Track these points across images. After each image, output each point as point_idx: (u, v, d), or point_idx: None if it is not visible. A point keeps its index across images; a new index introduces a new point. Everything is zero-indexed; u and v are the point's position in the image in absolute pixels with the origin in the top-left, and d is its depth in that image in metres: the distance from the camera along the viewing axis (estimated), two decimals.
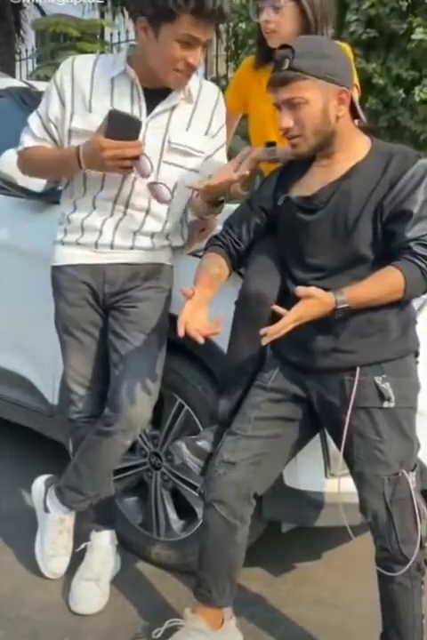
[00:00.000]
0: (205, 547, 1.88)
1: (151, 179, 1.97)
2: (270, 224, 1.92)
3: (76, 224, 2.08)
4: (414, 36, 5.33)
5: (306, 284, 1.78)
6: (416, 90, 5.43)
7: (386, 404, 1.72)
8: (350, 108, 1.77)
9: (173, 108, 2.02)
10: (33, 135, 2.10)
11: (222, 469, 1.81)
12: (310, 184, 1.80)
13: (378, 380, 1.73)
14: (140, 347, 2.06)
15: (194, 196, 2.10)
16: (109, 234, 2.06)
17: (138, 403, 2.02)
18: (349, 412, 1.73)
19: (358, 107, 1.80)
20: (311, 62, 1.69)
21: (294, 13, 2.13)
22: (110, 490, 2.27)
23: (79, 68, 2.03)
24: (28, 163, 2.16)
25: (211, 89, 2.13)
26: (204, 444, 1.92)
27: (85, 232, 2.08)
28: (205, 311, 1.80)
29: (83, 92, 2.01)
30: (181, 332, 1.72)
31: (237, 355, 1.92)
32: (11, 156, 2.45)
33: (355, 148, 1.78)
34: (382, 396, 1.72)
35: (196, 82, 2.07)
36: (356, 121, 1.81)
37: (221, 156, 2.16)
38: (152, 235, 2.09)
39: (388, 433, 1.73)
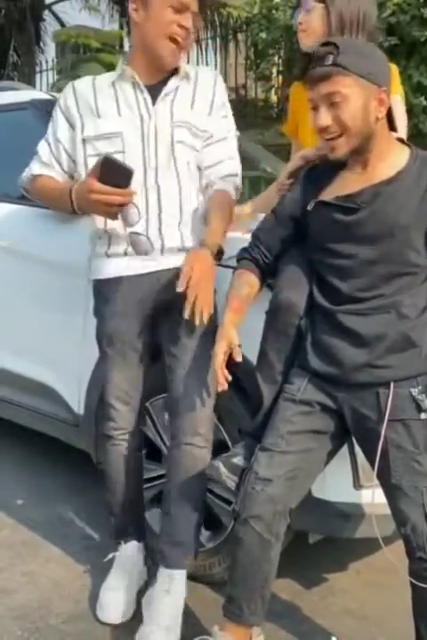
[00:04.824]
0: (237, 564, 1.85)
1: (136, 228, 2.00)
2: (299, 232, 1.90)
3: (120, 234, 2.05)
4: None
5: (342, 291, 1.77)
6: None
7: (423, 416, 1.71)
8: (387, 117, 1.75)
9: (177, 88, 2.09)
10: (41, 162, 2.19)
11: (259, 486, 1.79)
12: (345, 186, 1.77)
13: (414, 391, 1.72)
14: (196, 351, 2.05)
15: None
16: (158, 241, 2.04)
17: (199, 404, 2.04)
18: (384, 425, 1.71)
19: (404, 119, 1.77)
20: (354, 59, 1.68)
21: (322, 15, 2.14)
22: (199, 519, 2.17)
23: (80, 84, 2.15)
24: (35, 193, 2.26)
25: (207, 71, 2.22)
26: (238, 460, 1.90)
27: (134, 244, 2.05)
28: (235, 336, 1.86)
29: (88, 102, 2.10)
30: (223, 386, 1.84)
31: (267, 365, 1.91)
32: None
33: (393, 156, 1.75)
34: (419, 408, 1.71)
35: (191, 68, 2.15)
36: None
37: (231, 144, 2.15)
38: (192, 232, 2.07)
39: (425, 444, 1.72)
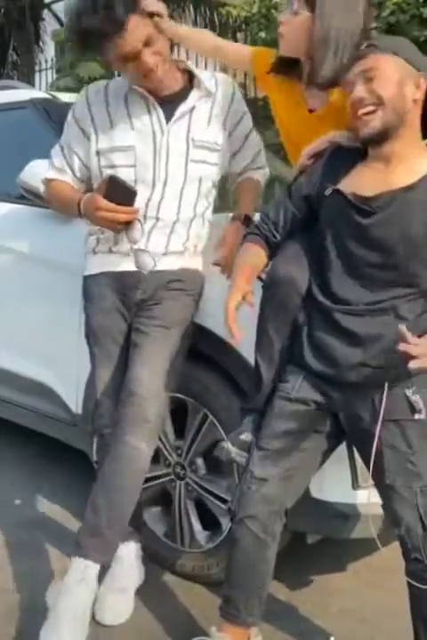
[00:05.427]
0: (234, 564, 1.85)
1: (140, 245, 2.05)
2: (310, 215, 1.86)
3: (110, 233, 2.09)
4: None
5: (341, 290, 1.75)
6: None
7: (417, 416, 1.70)
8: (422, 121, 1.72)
9: (193, 108, 2.09)
10: (53, 166, 2.22)
11: (254, 486, 1.78)
12: (363, 184, 1.74)
13: (408, 392, 1.71)
14: (159, 340, 2.04)
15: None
16: (143, 242, 2.07)
17: (149, 395, 1.98)
18: (378, 425, 1.71)
19: None
20: (391, 45, 1.70)
21: (306, 24, 1.94)
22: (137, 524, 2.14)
23: (92, 94, 2.14)
24: (47, 196, 2.31)
25: (226, 83, 2.19)
26: (246, 436, 1.88)
27: (119, 241, 2.10)
28: (248, 287, 1.82)
29: (101, 113, 2.10)
30: (238, 337, 1.76)
31: (267, 343, 1.85)
32: (35, 166, 2.49)
33: (416, 159, 1.71)
34: (413, 409, 1.70)
35: (210, 78, 2.15)
36: None
37: (250, 147, 2.26)
38: (184, 239, 2.11)
39: (419, 445, 1.70)
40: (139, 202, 1.99)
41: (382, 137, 1.70)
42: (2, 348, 2.91)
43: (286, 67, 2.08)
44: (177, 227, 2.09)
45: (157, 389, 2.01)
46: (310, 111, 2.03)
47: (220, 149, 2.15)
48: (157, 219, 2.07)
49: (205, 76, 2.14)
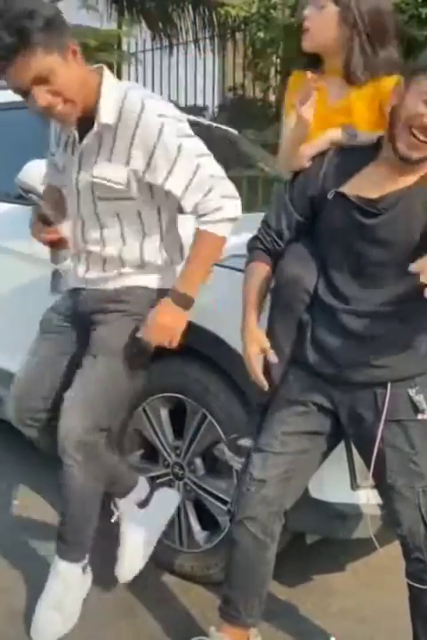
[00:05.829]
0: (233, 565, 1.85)
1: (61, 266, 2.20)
2: (313, 218, 1.84)
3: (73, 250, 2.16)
4: None
5: (347, 290, 1.75)
6: None
7: (420, 416, 1.71)
8: None
9: (101, 139, 1.89)
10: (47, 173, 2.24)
11: (254, 487, 1.79)
12: (368, 186, 1.72)
13: (411, 392, 1.71)
14: (85, 373, 2.01)
15: None
16: (82, 269, 2.09)
17: (67, 420, 1.96)
18: (381, 425, 1.71)
19: None
20: None
21: (335, 19, 1.90)
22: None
23: None
24: None
25: (132, 107, 1.83)
26: (244, 441, 1.89)
27: (72, 263, 2.17)
28: (264, 339, 1.81)
29: (54, 127, 2.08)
30: (265, 386, 1.80)
31: (276, 345, 1.83)
32: (33, 166, 2.48)
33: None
34: (416, 409, 1.71)
35: (115, 102, 1.85)
36: None
37: (175, 184, 1.87)
38: (119, 266, 2.03)
39: (422, 445, 1.71)
40: (66, 233, 2.08)
41: (419, 162, 1.67)
42: (1, 348, 2.91)
43: (308, 60, 2.03)
44: (108, 259, 2.03)
45: (75, 425, 1.95)
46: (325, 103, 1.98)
47: (121, 188, 1.90)
48: (87, 251, 2.05)
49: (108, 102, 1.86)
